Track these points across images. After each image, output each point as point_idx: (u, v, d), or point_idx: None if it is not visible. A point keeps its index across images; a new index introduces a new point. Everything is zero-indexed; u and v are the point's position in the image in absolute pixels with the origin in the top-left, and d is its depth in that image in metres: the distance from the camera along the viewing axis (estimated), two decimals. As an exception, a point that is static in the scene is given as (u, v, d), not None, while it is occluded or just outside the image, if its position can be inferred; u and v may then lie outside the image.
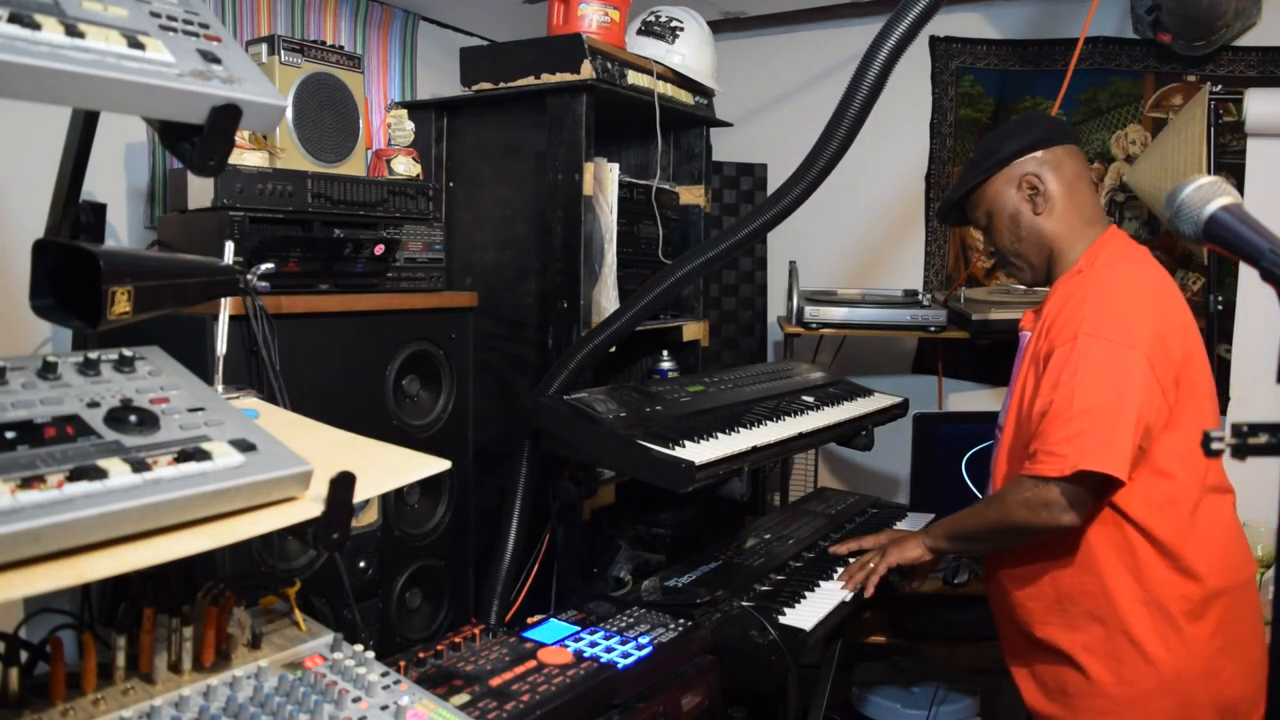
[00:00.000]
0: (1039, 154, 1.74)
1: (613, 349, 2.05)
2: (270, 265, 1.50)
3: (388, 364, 2.08)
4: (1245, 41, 2.84)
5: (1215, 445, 0.82)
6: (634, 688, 1.37)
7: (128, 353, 0.98)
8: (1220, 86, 2.65)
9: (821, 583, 1.89)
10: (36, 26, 0.78)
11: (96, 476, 0.76)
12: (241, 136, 1.83)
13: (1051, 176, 1.72)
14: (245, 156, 1.85)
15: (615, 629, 1.52)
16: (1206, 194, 0.98)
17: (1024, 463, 1.58)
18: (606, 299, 2.24)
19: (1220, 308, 2.63)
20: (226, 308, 1.49)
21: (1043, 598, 1.64)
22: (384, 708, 0.99)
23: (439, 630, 2.22)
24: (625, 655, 1.40)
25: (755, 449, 1.83)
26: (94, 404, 0.88)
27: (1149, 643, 1.54)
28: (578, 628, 1.52)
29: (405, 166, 2.23)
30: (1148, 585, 1.55)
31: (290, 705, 0.96)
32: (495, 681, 1.26)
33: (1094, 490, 1.51)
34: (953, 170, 3.21)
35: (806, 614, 1.75)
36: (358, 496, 0.92)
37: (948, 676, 2.63)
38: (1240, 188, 2.61)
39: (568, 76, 2.13)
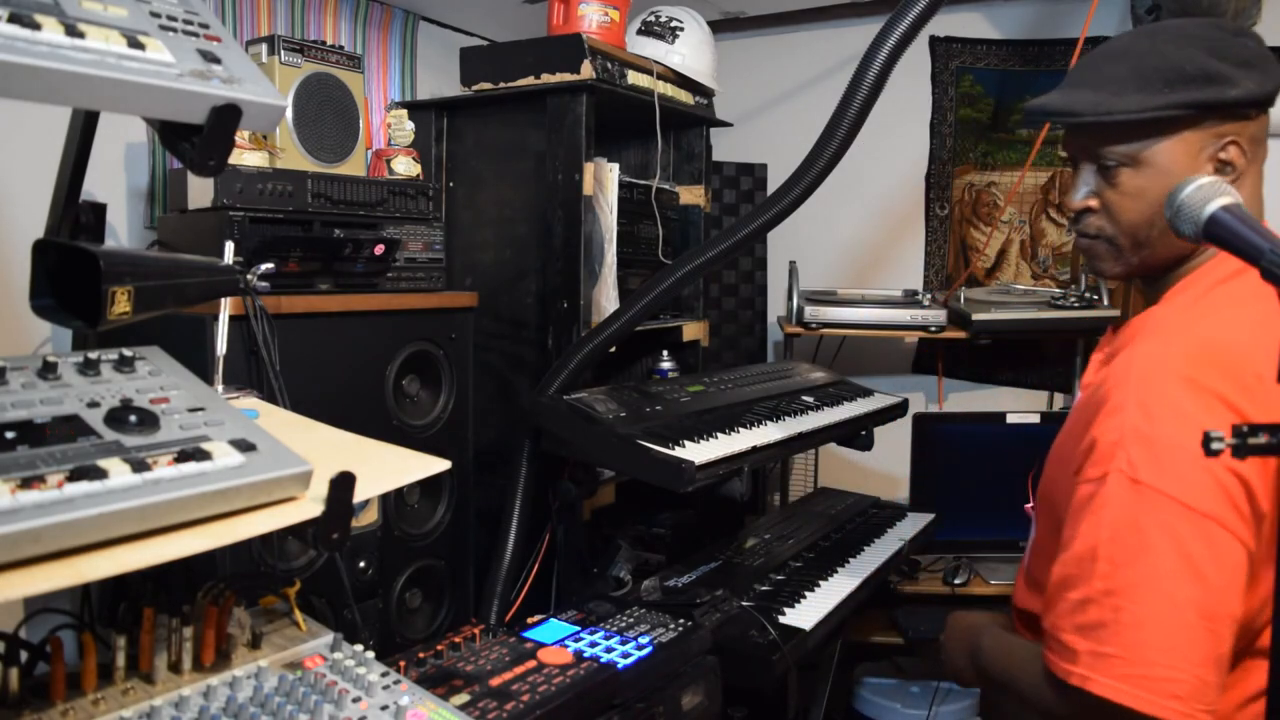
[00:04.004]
0: (1258, 119, 1.14)
1: (613, 349, 2.05)
2: (270, 265, 1.49)
3: (388, 364, 2.08)
4: (1245, 41, 2.84)
5: (1215, 445, 0.82)
6: (634, 688, 1.37)
7: (128, 353, 0.98)
8: (1220, 86, 2.64)
9: (821, 583, 1.90)
10: (36, 26, 0.78)
11: (96, 476, 0.76)
12: (241, 136, 1.83)
13: (1255, 155, 1.15)
14: (245, 156, 1.85)
15: (615, 629, 1.52)
16: (1206, 194, 0.98)
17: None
18: (606, 299, 2.24)
19: (1220, 308, 2.62)
20: (226, 308, 1.49)
21: None
22: (384, 708, 0.99)
23: (439, 630, 2.22)
24: (625, 655, 1.40)
25: (755, 449, 1.83)
26: (94, 404, 0.88)
27: None
28: (578, 628, 1.52)
29: (405, 166, 2.23)
30: None
31: (290, 705, 0.96)
32: (495, 681, 1.26)
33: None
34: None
35: (806, 614, 1.75)
36: (358, 496, 0.92)
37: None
38: (1240, 188, 2.61)
39: (568, 76, 2.13)
